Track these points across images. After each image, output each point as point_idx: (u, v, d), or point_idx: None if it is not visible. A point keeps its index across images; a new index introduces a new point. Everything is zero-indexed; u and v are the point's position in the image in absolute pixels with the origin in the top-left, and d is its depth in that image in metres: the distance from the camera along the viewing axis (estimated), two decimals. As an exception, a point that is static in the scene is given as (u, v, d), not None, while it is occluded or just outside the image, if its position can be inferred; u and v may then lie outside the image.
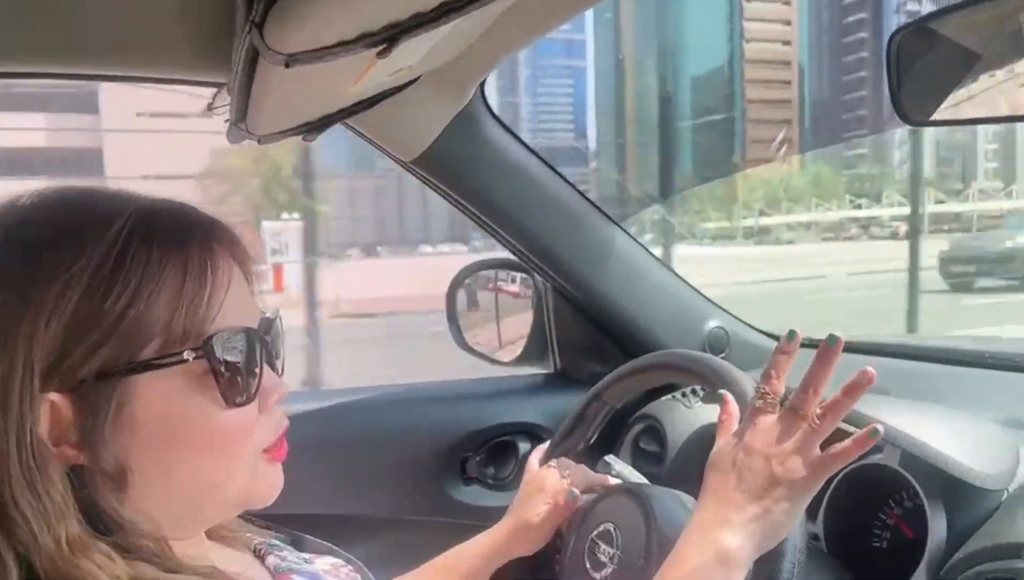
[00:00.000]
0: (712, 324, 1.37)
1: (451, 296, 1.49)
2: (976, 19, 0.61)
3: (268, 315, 0.62)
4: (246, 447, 0.58)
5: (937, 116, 0.61)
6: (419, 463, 1.25)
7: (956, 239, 17.92)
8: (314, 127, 0.83)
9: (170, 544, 0.55)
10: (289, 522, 0.75)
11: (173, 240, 0.55)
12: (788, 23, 41.29)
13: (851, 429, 0.94)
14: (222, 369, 0.55)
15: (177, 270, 0.54)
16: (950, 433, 0.85)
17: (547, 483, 0.96)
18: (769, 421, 0.68)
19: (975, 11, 0.60)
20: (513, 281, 1.49)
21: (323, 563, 0.73)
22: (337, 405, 1.24)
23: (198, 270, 0.55)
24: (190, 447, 0.56)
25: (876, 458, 0.92)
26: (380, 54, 0.56)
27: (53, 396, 0.51)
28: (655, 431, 1.29)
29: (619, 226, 1.29)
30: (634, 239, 1.32)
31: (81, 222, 0.55)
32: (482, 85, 1.07)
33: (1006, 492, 0.83)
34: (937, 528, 0.83)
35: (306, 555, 0.73)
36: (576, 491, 0.95)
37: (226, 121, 0.78)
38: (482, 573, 0.92)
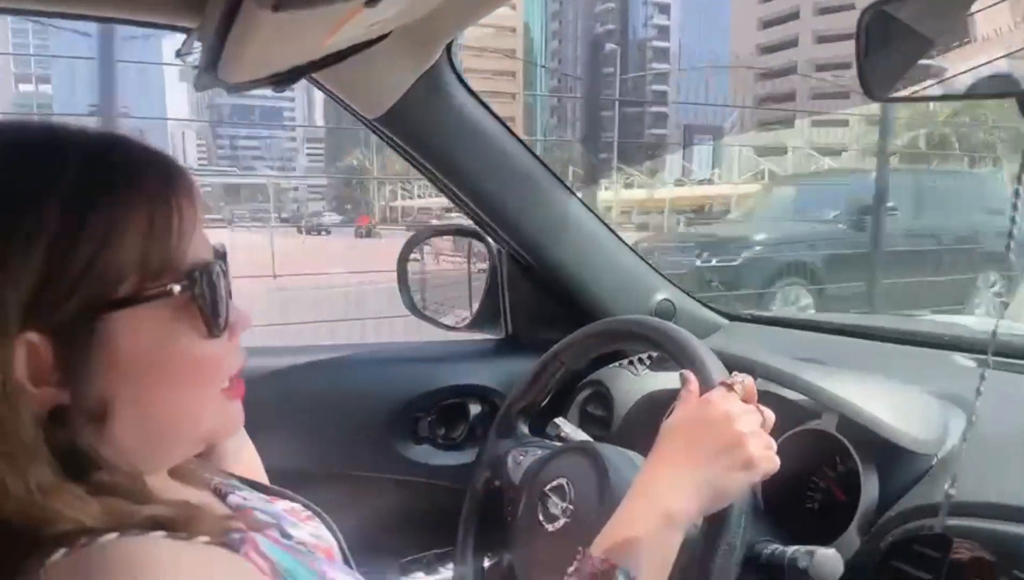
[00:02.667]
0: (660, 296, 1.41)
1: (403, 261, 1.48)
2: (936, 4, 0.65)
3: (219, 248, 0.62)
4: (216, 379, 0.60)
5: (900, 93, 0.64)
6: (372, 421, 1.26)
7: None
8: (283, 78, 0.82)
9: (144, 479, 0.55)
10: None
11: (133, 177, 0.55)
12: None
13: (793, 395, 1.00)
14: (205, 300, 0.56)
15: (143, 206, 0.54)
16: (887, 401, 0.91)
17: None
18: (735, 398, 0.74)
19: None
20: (465, 247, 1.50)
21: (283, 505, 0.74)
22: (294, 362, 1.24)
23: (164, 205, 0.55)
24: (170, 379, 0.56)
25: (814, 423, 0.97)
26: (369, 3, 0.55)
27: (32, 337, 0.51)
28: (602, 396, 1.33)
29: (575, 195, 1.31)
30: (589, 209, 1.34)
31: (38, 160, 0.54)
32: (449, 46, 1.06)
33: (935, 458, 0.89)
34: (869, 490, 0.88)
35: (265, 496, 0.74)
36: None
37: (194, 68, 0.76)
38: None
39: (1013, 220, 0.65)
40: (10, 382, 0.50)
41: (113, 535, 0.48)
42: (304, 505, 0.76)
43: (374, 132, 1.12)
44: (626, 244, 1.41)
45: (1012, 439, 0.84)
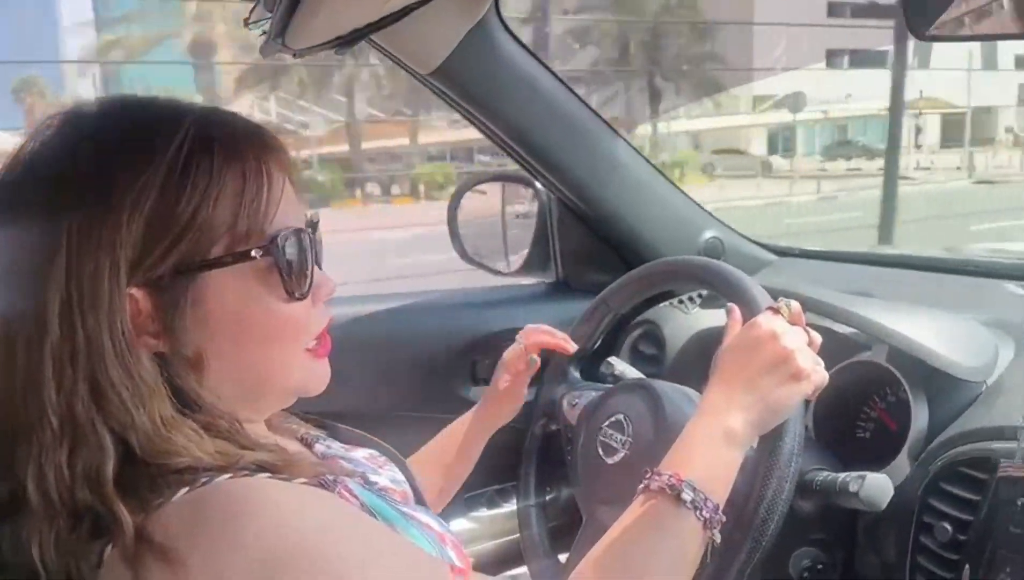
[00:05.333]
0: (708, 234, 1.42)
1: (452, 209, 1.52)
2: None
3: (311, 218, 0.66)
4: (301, 338, 0.64)
5: (946, 32, 0.63)
6: (434, 365, 1.32)
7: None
8: (345, 41, 0.85)
9: (242, 424, 0.61)
10: (323, 420, 0.81)
11: (232, 146, 0.59)
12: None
13: (843, 329, 1.02)
14: (285, 266, 0.60)
15: (237, 174, 0.59)
16: (935, 331, 0.93)
17: (507, 357, 1.05)
18: (781, 320, 0.76)
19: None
20: (514, 193, 1.53)
21: (362, 452, 0.80)
22: (360, 310, 1.30)
23: (255, 174, 0.60)
24: (255, 337, 0.61)
25: (865, 355, 1.00)
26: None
27: (133, 290, 0.56)
28: (654, 336, 1.37)
29: (623, 138, 1.32)
30: (637, 152, 1.36)
31: (149, 129, 0.58)
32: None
33: (984, 385, 0.91)
34: (919, 418, 0.91)
35: (346, 445, 0.80)
36: (534, 357, 1.04)
37: (261, 35, 0.80)
38: (476, 443, 1.04)
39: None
40: (127, 330, 0.56)
41: (226, 475, 0.54)
42: (381, 451, 0.82)
43: (427, 86, 1.15)
44: (674, 184, 1.43)
45: None
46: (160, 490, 0.53)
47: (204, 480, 0.53)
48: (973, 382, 0.90)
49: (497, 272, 1.54)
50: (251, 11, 0.78)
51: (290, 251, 0.61)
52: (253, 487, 0.54)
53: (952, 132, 23.94)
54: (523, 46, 1.14)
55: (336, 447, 0.78)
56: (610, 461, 0.94)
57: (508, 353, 1.05)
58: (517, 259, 1.52)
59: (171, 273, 0.57)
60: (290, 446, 0.72)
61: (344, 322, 1.27)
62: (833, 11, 25.48)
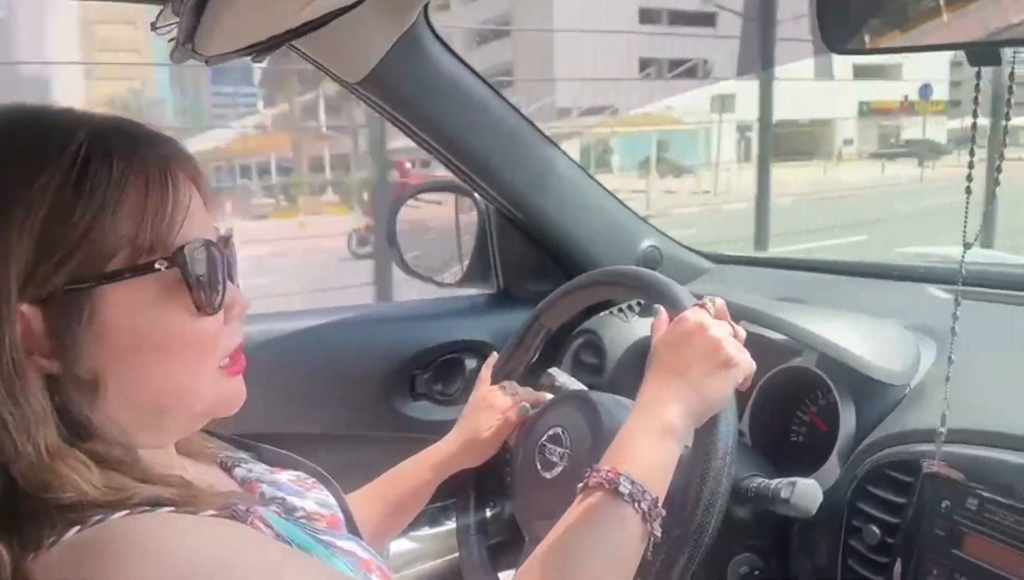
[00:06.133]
0: (646, 243, 1.43)
1: (391, 219, 1.50)
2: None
3: (223, 233, 0.64)
4: (211, 357, 0.60)
5: (863, 45, 0.64)
6: (370, 381, 1.29)
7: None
8: (263, 48, 0.82)
9: (139, 454, 0.57)
10: (247, 441, 0.78)
11: (132, 155, 0.56)
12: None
13: (775, 336, 1.03)
14: (193, 278, 0.57)
15: (139, 184, 0.56)
16: (860, 336, 0.94)
17: (497, 401, 1.02)
18: (706, 315, 0.78)
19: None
20: (454, 203, 1.52)
21: (288, 475, 0.77)
22: (291, 326, 1.26)
23: (159, 184, 0.56)
24: (159, 355, 0.57)
25: (796, 361, 1.01)
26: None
27: (24, 308, 0.53)
28: (594, 345, 1.37)
29: (559, 148, 1.32)
30: (573, 161, 1.36)
31: (41, 140, 0.55)
32: (426, 7, 1.06)
33: (908, 387, 0.93)
34: (847, 421, 0.93)
35: (270, 467, 0.77)
36: (527, 405, 1.01)
37: (170, 41, 0.77)
38: (432, 483, 0.98)
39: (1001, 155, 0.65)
40: (16, 350, 0.52)
41: (123, 512, 0.50)
42: (311, 472, 0.79)
43: (357, 95, 1.12)
44: (611, 194, 1.43)
45: (981, 367, 0.87)
46: (45, 528, 0.49)
47: (97, 518, 0.49)
48: (897, 385, 0.92)
49: (438, 284, 1.53)
50: (158, 15, 0.75)
51: (198, 263, 0.57)
52: (150, 525, 0.50)
53: (798, 144, 21.51)
54: (454, 54, 1.13)
55: (259, 470, 0.75)
56: (548, 475, 0.93)
57: (498, 396, 1.02)
58: (458, 270, 1.51)
59: (65, 288, 0.53)
60: (207, 472, 0.69)
61: (277, 338, 1.24)
62: (647, 18, 24.74)
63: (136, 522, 0.50)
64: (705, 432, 0.75)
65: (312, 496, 0.74)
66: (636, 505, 0.67)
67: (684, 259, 1.48)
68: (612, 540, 0.67)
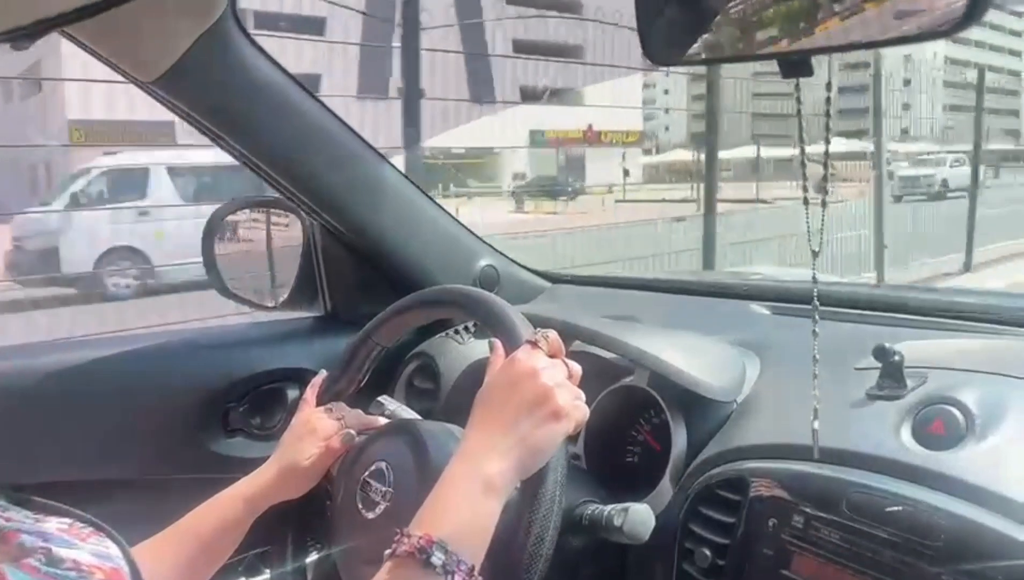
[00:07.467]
0: (483, 262, 1.39)
1: (208, 238, 1.37)
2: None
3: None
4: None
5: (684, 56, 0.64)
6: (176, 417, 1.15)
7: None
8: (28, 32, 0.69)
9: None
10: (28, 492, 0.65)
11: None
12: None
13: (609, 355, 1.02)
14: None
15: None
16: (688, 354, 0.94)
17: (320, 425, 0.93)
18: (540, 355, 0.73)
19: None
20: (277, 220, 1.41)
21: (57, 523, 0.65)
22: (82, 356, 1.10)
23: None
24: None
25: (628, 380, 1.00)
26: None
27: None
28: (429, 369, 1.30)
29: (387, 161, 1.25)
30: (403, 175, 1.29)
31: None
32: (233, 1, 0.96)
33: (736, 403, 0.94)
34: (679, 440, 0.92)
35: (36, 515, 0.65)
36: (352, 432, 0.93)
37: None
38: (245, 518, 0.87)
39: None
40: None
41: None
42: (87, 521, 0.68)
43: (152, 96, 1.00)
44: (446, 211, 1.38)
45: (803, 381, 0.89)
46: None
47: None
48: (724, 402, 0.93)
49: (262, 307, 1.41)
50: None
51: None
52: None
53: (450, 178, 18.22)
54: (266, 54, 1.03)
55: (18, 519, 0.63)
56: (371, 515, 0.85)
57: (321, 421, 0.92)
58: (284, 292, 1.40)
59: None
60: None
61: (63, 371, 1.07)
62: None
63: None
64: (532, 481, 0.71)
65: (88, 547, 0.64)
66: (449, 578, 0.62)
67: (521, 279, 1.45)
68: None
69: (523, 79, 22.44)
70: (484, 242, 1.43)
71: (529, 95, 22.40)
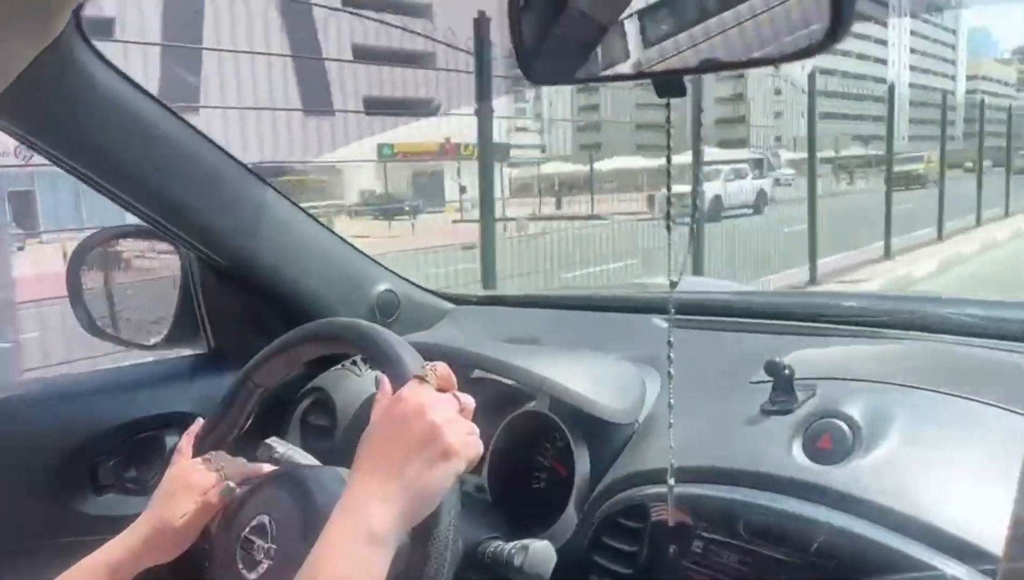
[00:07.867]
0: (381, 287, 1.33)
1: (74, 272, 1.26)
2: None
3: None
4: None
5: (562, 76, 0.63)
6: (35, 475, 1.03)
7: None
8: None
9: None
10: None
11: None
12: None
13: (509, 381, 0.98)
14: None
15: None
16: (586, 375, 0.91)
17: (196, 478, 0.84)
18: (428, 390, 0.69)
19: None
20: (155, 250, 1.30)
21: None
22: None
23: None
24: None
25: (530, 406, 0.96)
26: None
27: None
28: (324, 404, 1.23)
29: (269, 185, 1.17)
30: (289, 200, 1.22)
31: None
32: (77, 13, 0.87)
33: (637, 423, 0.91)
34: (582, 466, 0.88)
35: None
36: (232, 485, 0.84)
37: None
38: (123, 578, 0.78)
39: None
40: None
41: None
42: None
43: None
44: (337, 235, 1.31)
45: (700, 397, 0.87)
46: None
47: None
48: (624, 424, 0.89)
49: (137, 346, 1.31)
50: None
51: None
52: None
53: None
54: (118, 71, 0.94)
55: None
56: (252, 576, 0.77)
57: (196, 472, 0.84)
58: (162, 329, 1.30)
59: None
60: None
61: None
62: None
63: None
64: (422, 530, 0.67)
65: None
66: None
67: (423, 302, 1.40)
68: None
69: (367, 89, 21.12)
70: (381, 266, 1.36)
71: (374, 105, 21.20)
